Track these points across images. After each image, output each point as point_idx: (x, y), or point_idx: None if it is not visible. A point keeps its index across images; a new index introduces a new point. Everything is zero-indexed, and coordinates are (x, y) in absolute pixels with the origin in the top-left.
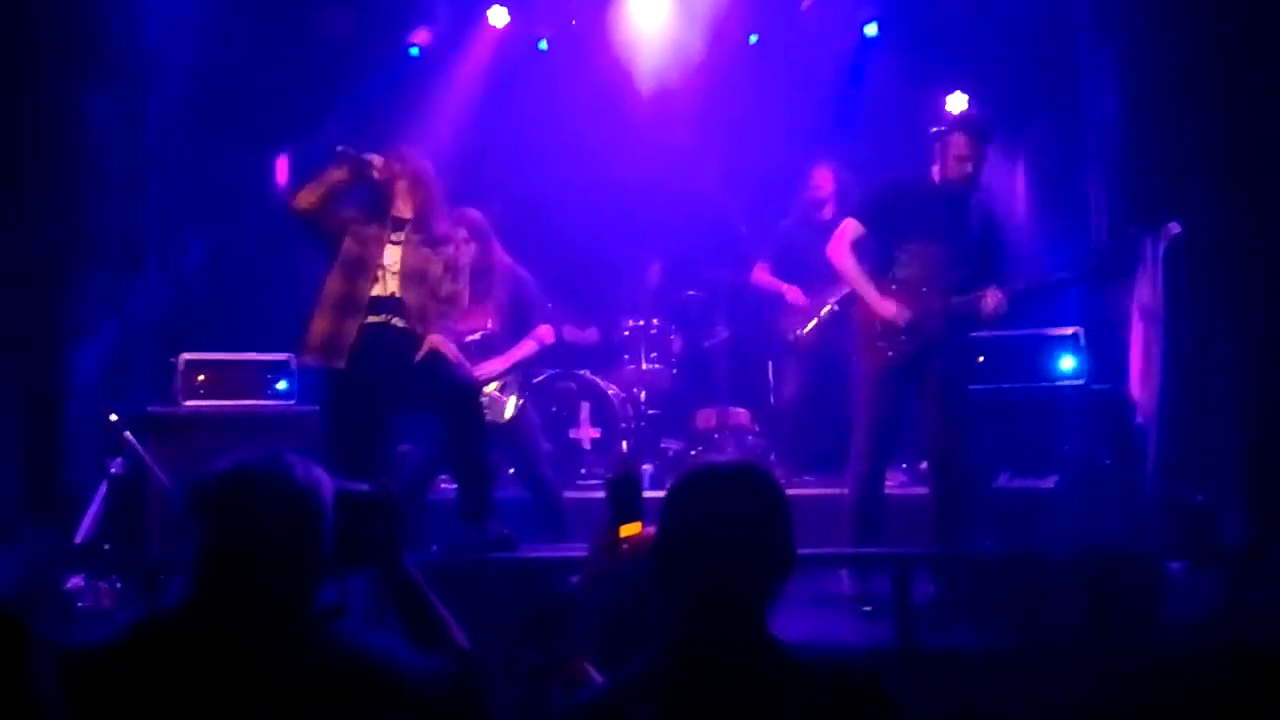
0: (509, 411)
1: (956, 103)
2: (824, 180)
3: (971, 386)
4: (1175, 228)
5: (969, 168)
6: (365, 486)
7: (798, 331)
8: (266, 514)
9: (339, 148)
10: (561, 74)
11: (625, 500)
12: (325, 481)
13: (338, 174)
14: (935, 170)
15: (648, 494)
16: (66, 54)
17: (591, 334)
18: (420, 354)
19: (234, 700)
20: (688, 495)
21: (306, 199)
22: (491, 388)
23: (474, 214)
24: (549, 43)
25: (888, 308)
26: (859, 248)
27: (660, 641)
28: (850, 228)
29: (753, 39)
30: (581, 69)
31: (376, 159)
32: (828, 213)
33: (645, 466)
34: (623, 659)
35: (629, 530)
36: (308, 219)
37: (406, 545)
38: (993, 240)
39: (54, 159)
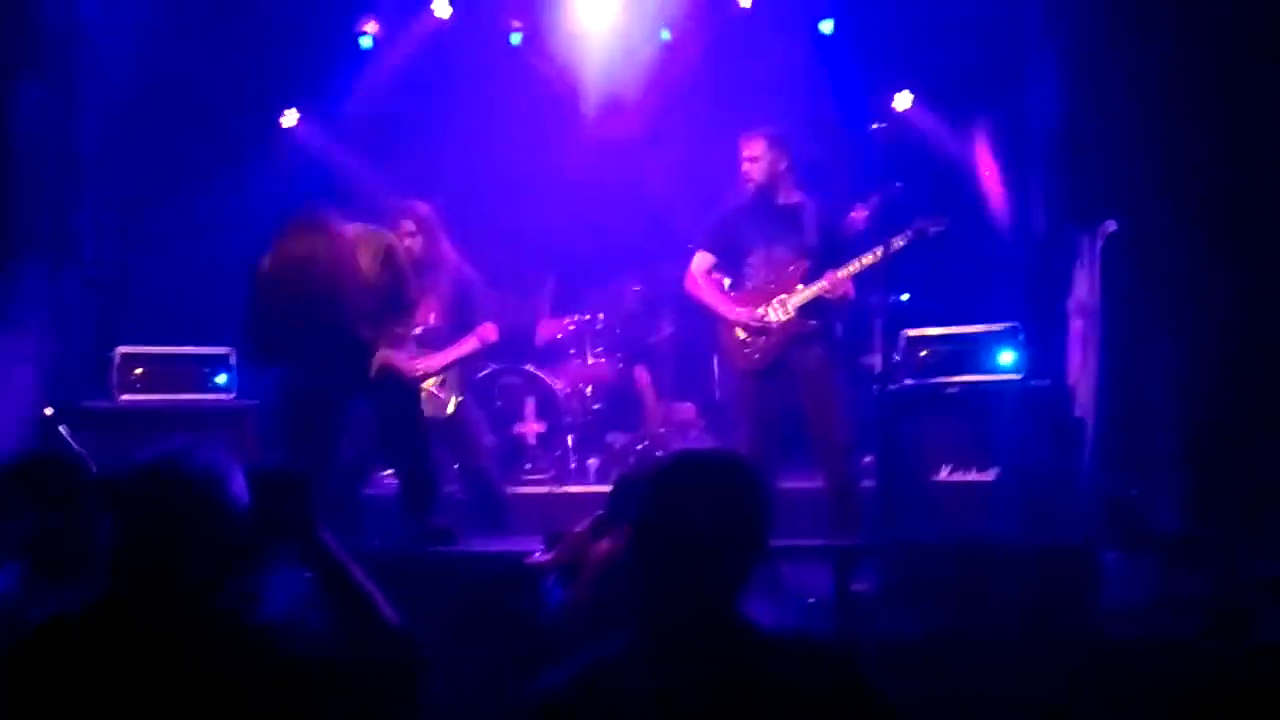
0: (449, 408)
1: (902, 101)
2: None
3: (912, 382)
4: (1112, 225)
5: (753, 172)
6: (272, 463)
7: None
8: (168, 506)
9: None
10: (505, 70)
11: (631, 503)
12: (231, 470)
13: None
14: (748, 186)
15: (594, 488)
16: None
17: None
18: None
19: (149, 692)
20: (672, 480)
21: None
22: (430, 383)
23: (422, 207)
24: (499, 35)
25: (739, 315)
26: (712, 274)
27: (628, 625)
28: (698, 259)
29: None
30: (525, 64)
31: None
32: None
33: (590, 461)
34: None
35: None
36: None
37: (319, 519)
38: (828, 229)
39: None
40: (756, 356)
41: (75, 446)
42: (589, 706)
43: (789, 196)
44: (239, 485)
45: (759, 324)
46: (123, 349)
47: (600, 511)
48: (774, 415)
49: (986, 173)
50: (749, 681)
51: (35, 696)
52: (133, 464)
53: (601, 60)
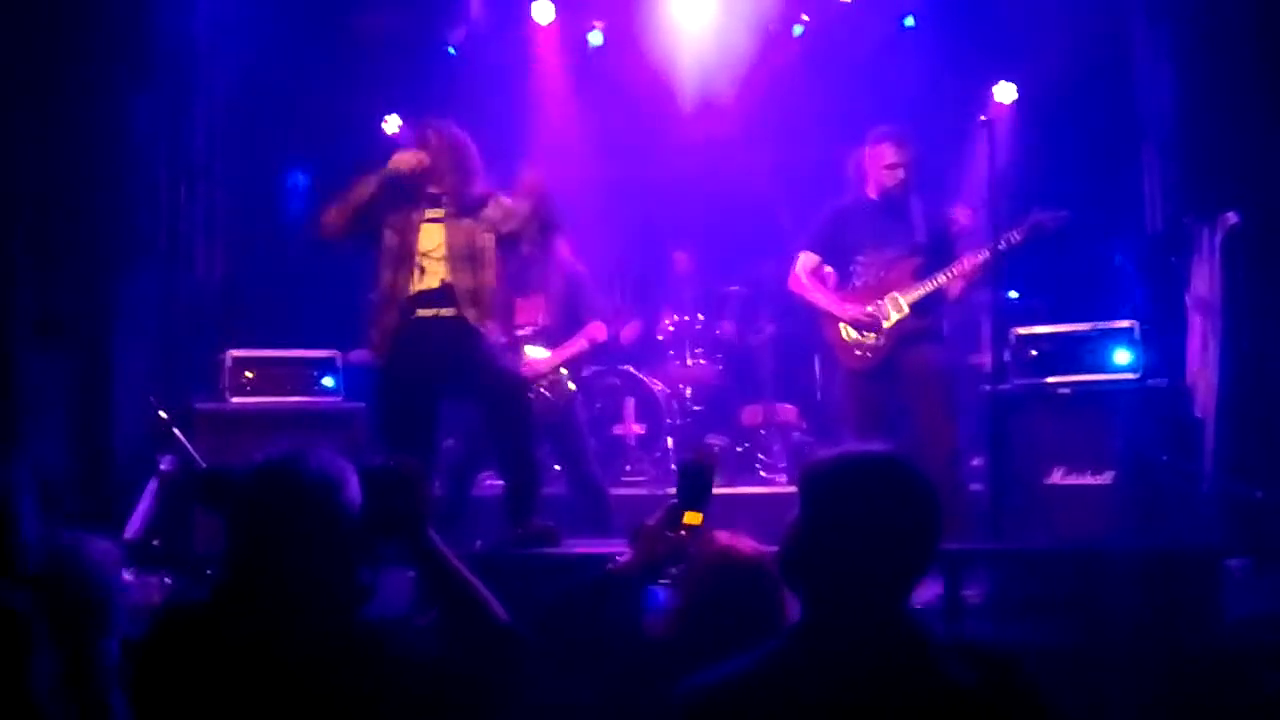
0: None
1: (1005, 93)
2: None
3: (1024, 381)
4: (1233, 218)
5: (901, 174)
6: (384, 462)
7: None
8: (282, 509)
9: (385, 167)
10: (604, 70)
11: (696, 487)
12: (346, 472)
13: (363, 189)
14: (870, 185)
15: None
16: (113, 59)
17: (633, 328)
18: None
19: (260, 688)
20: (837, 483)
21: (334, 224)
22: (539, 383)
23: None
24: (603, 35)
25: (848, 312)
26: (818, 274)
27: (783, 629)
28: (803, 259)
29: (797, 30)
30: (625, 65)
31: (404, 158)
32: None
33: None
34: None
35: (691, 519)
36: (340, 239)
37: (429, 518)
38: (936, 226)
39: (103, 158)
40: (867, 355)
41: (188, 448)
42: (748, 708)
43: (900, 195)
44: (354, 487)
45: (870, 322)
46: (233, 352)
47: (673, 500)
48: (881, 415)
49: None
50: (918, 686)
51: (154, 686)
52: (250, 466)
53: (698, 58)
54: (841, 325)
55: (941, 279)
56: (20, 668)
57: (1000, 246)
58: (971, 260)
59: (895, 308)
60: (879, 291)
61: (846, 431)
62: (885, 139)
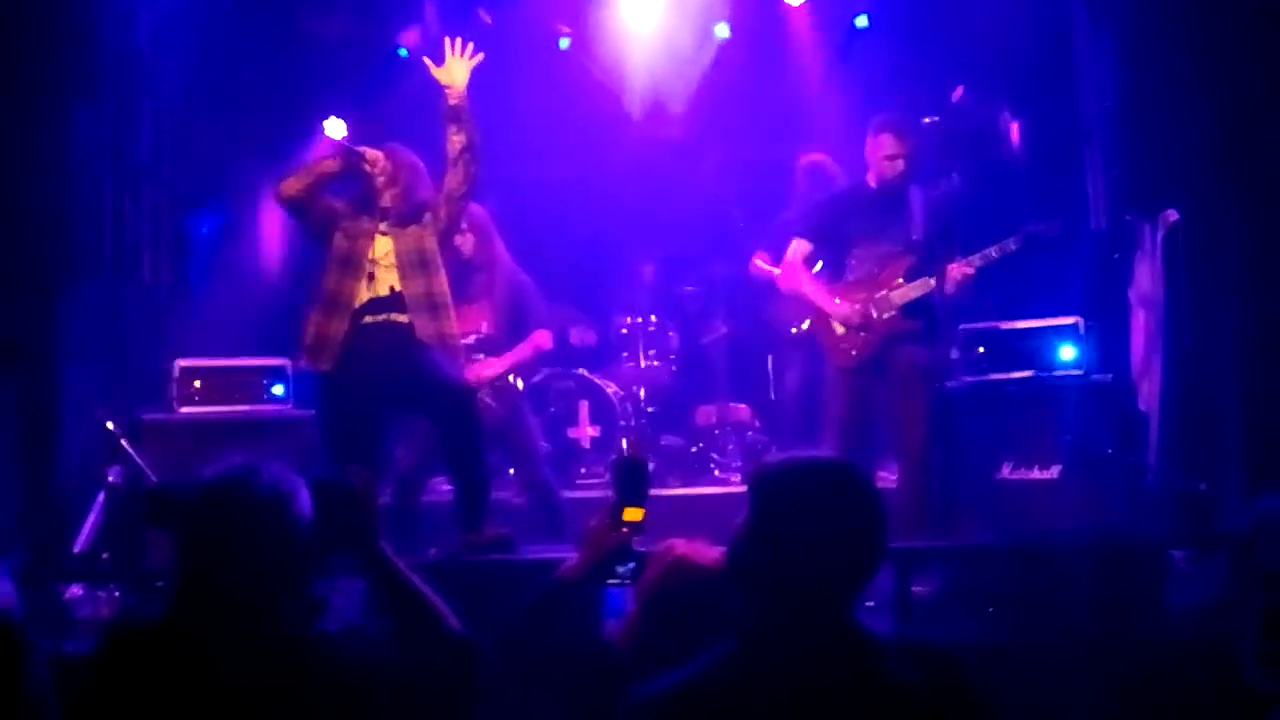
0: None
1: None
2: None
3: (971, 378)
4: (1173, 214)
5: (900, 165)
6: (333, 475)
7: (797, 326)
8: (234, 526)
9: (333, 139)
10: (554, 72)
11: (631, 483)
12: (297, 486)
13: (329, 164)
14: (870, 175)
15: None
16: (52, 66)
17: (589, 335)
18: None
19: (212, 704)
20: (788, 489)
21: (293, 186)
22: (484, 391)
23: (478, 209)
24: (543, 40)
25: (840, 309)
26: (810, 263)
27: (730, 632)
28: (796, 247)
29: (723, 34)
30: (574, 67)
31: (370, 151)
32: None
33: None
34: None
35: (631, 515)
36: (293, 206)
37: (379, 528)
38: (945, 223)
39: (42, 171)
40: (853, 353)
41: (137, 459)
42: (700, 712)
43: (899, 186)
44: (304, 501)
45: (860, 321)
46: (181, 362)
47: (612, 499)
48: (864, 413)
49: None
50: (865, 686)
51: (103, 704)
52: (199, 482)
53: (648, 61)
54: (832, 321)
55: (932, 283)
56: (15, 674)
57: (994, 255)
58: (961, 269)
59: (886, 307)
60: (871, 287)
61: (830, 428)
62: (885, 129)
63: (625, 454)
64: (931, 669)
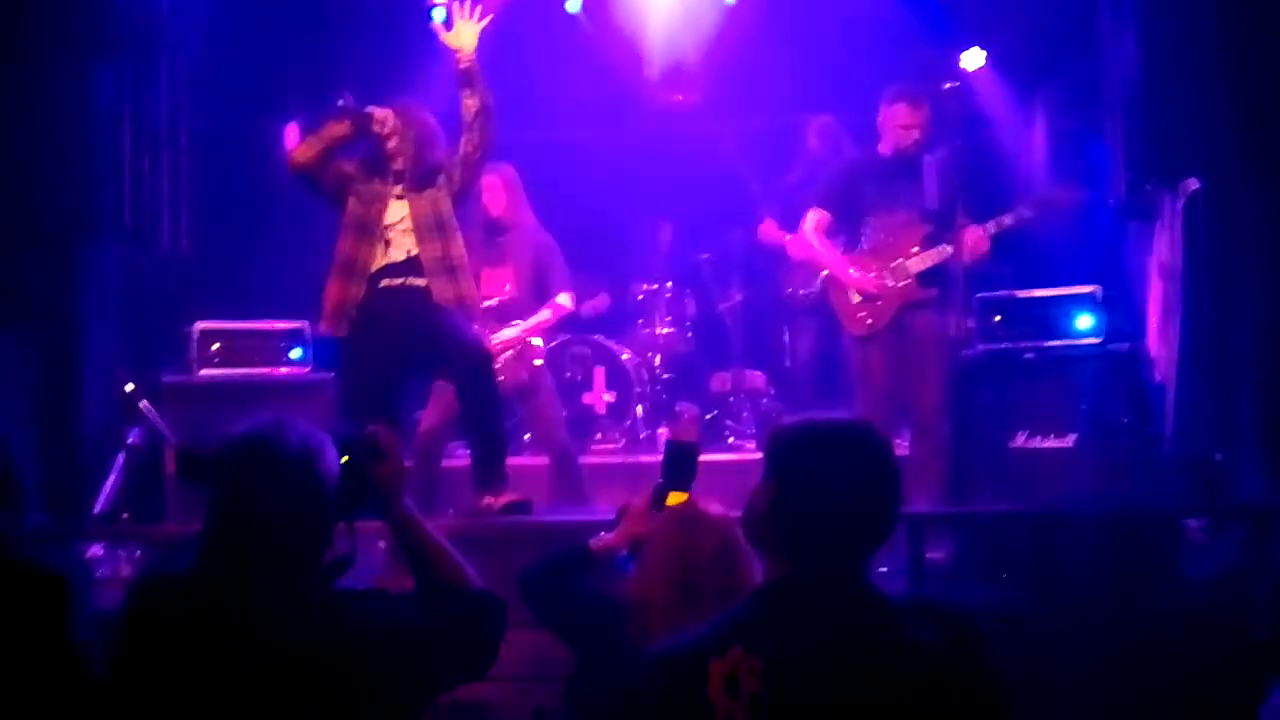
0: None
1: (973, 59)
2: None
3: (987, 347)
4: (1194, 183)
5: (915, 134)
6: (356, 432)
7: (801, 290)
8: (264, 482)
9: (339, 102)
10: (571, 36)
11: (679, 467)
12: (324, 442)
13: (338, 128)
14: (884, 143)
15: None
16: (71, 26)
17: (601, 301)
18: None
19: (240, 658)
20: (807, 450)
21: (305, 153)
22: (505, 355)
23: (507, 168)
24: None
25: (855, 279)
26: (830, 233)
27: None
28: (814, 217)
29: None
30: (589, 30)
31: (378, 111)
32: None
33: (660, 430)
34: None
35: (675, 498)
36: (306, 174)
37: (403, 486)
38: (960, 188)
39: (61, 131)
40: (869, 321)
41: (157, 421)
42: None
43: (914, 155)
44: (332, 458)
45: (877, 288)
46: (201, 324)
47: (658, 480)
48: (883, 380)
49: None
50: (881, 644)
51: (134, 656)
52: (228, 438)
53: (663, 26)
54: (847, 290)
55: (949, 250)
56: (63, 623)
57: (1008, 222)
58: (975, 235)
59: (902, 275)
60: (887, 256)
61: (857, 397)
62: (900, 98)
63: (678, 439)
64: (946, 628)
